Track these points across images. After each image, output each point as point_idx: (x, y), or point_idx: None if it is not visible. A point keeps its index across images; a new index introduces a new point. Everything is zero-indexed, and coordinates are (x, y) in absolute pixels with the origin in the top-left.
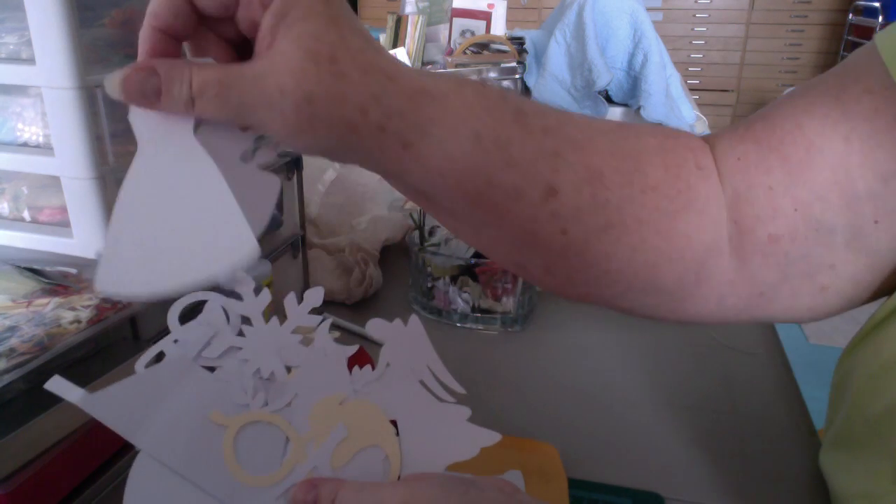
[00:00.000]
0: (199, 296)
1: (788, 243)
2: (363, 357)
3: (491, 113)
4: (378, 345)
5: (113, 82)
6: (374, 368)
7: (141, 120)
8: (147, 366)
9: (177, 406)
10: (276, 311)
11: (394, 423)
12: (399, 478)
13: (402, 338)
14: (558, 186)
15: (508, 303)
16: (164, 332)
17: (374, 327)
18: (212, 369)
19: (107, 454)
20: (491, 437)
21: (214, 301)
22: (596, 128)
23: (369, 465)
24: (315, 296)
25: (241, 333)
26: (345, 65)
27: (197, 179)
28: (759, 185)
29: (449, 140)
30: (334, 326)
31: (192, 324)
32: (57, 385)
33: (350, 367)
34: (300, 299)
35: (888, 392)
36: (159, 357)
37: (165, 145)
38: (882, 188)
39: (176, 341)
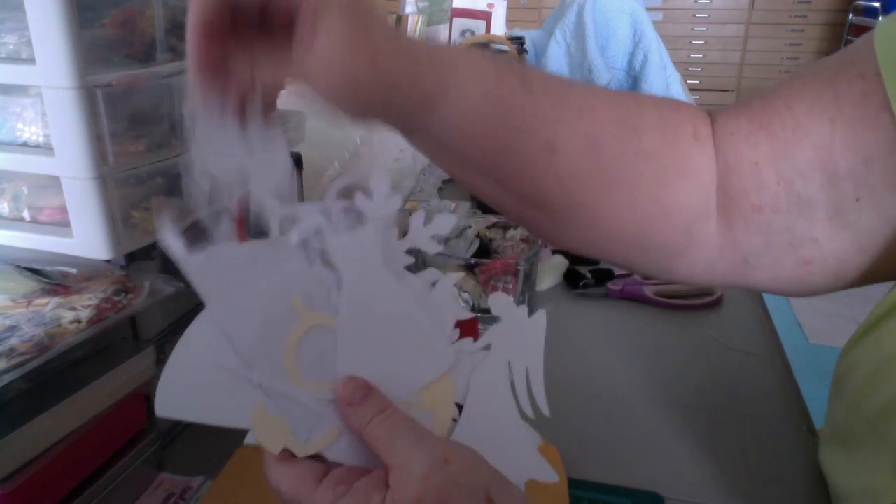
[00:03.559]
0: (359, 177)
1: (770, 214)
2: (472, 329)
3: (499, 75)
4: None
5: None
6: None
7: None
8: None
9: (266, 286)
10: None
11: (459, 407)
12: None
13: (518, 324)
14: (557, 147)
15: None
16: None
17: (497, 302)
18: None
19: (107, 454)
20: (548, 474)
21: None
22: (598, 96)
23: None
24: (445, 222)
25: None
26: (379, 55)
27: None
28: (746, 159)
29: (463, 99)
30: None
31: (341, 204)
32: (165, 234)
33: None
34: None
35: (888, 387)
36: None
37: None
38: (864, 168)
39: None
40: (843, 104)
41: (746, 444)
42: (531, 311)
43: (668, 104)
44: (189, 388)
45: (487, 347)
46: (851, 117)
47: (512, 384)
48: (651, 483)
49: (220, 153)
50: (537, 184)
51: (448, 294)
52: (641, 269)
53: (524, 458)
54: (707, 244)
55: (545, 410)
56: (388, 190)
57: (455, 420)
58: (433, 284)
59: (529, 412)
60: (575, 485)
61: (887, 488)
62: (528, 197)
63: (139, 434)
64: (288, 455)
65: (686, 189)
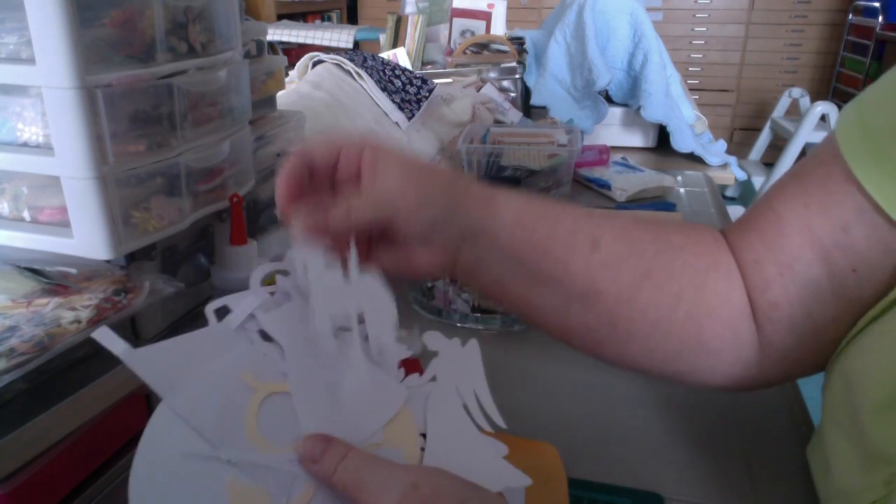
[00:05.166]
0: (276, 265)
1: (787, 307)
2: (416, 366)
3: (531, 196)
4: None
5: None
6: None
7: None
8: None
9: (214, 370)
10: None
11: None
12: None
13: (455, 355)
14: (599, 241)
15: None
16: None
17: (431, 339)
18: (265, 338)
19: (107, 454)
20: (520, 479)
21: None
22: (617, 212)
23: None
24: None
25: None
26: (427, 181)
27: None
28: (748, 261)
29: (513, 196)
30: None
31: (267, 288)
32: (103, 336)
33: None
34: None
35: (858, 394)
36: (223, 312)
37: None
38: (844, 236)
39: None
40: (810, 189)
41: (746, 444)
42: (464, 342)
43: (683, 222)
44: (161, 478)
45: (433, 379)
46: (819, 196)
47: (465, 406)
48: (651, 483)
49: (336, 301)
50: (587, 275)
51: (387, 340)
52: (698, 378)
53: (493, 469)
54: (752, 348)
55: (500, 422)
56: (301, 267)
57: (422, 449)
58: (367, 337)
59: (487, 427)
60: (575, 485)
61: (858, 490)
62: (581, 291)
63: (139, 434)
64: None
65: (725, 284)
